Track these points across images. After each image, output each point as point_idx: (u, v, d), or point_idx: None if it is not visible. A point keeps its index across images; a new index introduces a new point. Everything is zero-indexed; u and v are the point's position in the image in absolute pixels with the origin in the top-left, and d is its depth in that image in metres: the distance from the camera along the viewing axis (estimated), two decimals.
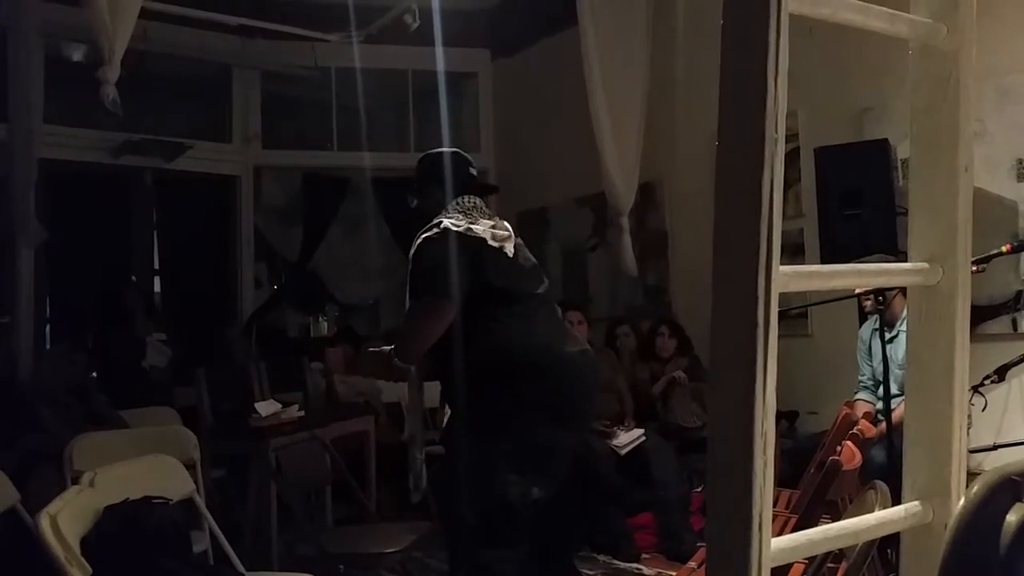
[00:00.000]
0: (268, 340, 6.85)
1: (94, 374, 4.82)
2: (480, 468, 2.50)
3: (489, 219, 2.73)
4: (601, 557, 4.16)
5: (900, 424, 1.26)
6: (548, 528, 2.67)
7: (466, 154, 2.95)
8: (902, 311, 3.50)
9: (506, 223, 2.79)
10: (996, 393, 3.65)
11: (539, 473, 2.55)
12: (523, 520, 2.52)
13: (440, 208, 2.73)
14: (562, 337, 2.71)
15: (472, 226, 2.63)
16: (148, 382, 5.53)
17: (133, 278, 6.89)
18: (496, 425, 2.52)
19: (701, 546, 3.02)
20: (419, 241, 2.63)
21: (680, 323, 5.11)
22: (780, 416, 4.41)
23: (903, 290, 1.26)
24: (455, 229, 2.60)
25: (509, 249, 2.68)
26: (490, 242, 2.63)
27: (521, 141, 6.66)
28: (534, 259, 2.84)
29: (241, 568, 2.74)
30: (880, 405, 3.61)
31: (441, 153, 2.91)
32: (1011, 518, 0.89)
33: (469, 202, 2.75)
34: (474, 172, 2.89)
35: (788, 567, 2.13)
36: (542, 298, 2.73)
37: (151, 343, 5.82)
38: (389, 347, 2.71)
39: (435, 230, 2.61)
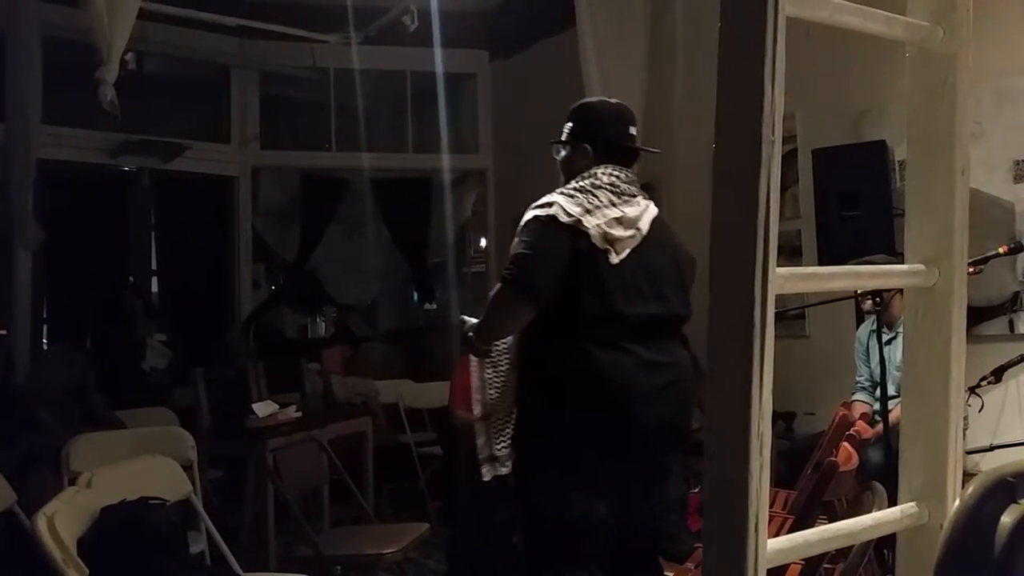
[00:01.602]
0: (266, 341, 6.86)
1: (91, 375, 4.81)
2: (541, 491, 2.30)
3: (622, 205, 2.36)
4: None
5: (897, 425, 1.26)
6: None
7: (628, 109, 2.59)
8: (901, 313, 3.49)
9: (645, 216, 2.40)
10: (993, 394, 3.66)
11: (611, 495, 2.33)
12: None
13: (581, 171, 2.42)
14: (649, 382, 2.34)
15: (584, 218, 2.27)
16: (146, 383, 5.52)
17: (131, 279, 6.88)
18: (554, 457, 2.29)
19: (698, 547, 3.02)
20: (527, 216, 2.33)
21: None
22: (777, 417, 4.41)
23: (901, 291, 1.26)
24: (563, 219, 2.26)
25: (616, 255, 2.28)
26: (595, 241, 2.26)
27: (519, 142, 6.64)
28: (673, 271, 2.49)
29: (238, 569, 2.74)
30: (877, 406, 3.61)
31: (602, 107, 2.59)
32: (1006, 519, 0.89)
33: (607, 177, 2.39)
34: (634, 132, 2.54)
35: (785, 568, 2.14)
36: (644, 328, 2.34)
37: (151, 344, 5.82)
38: (474, 321, 2.41)
39: (546, 210, 2.29)
